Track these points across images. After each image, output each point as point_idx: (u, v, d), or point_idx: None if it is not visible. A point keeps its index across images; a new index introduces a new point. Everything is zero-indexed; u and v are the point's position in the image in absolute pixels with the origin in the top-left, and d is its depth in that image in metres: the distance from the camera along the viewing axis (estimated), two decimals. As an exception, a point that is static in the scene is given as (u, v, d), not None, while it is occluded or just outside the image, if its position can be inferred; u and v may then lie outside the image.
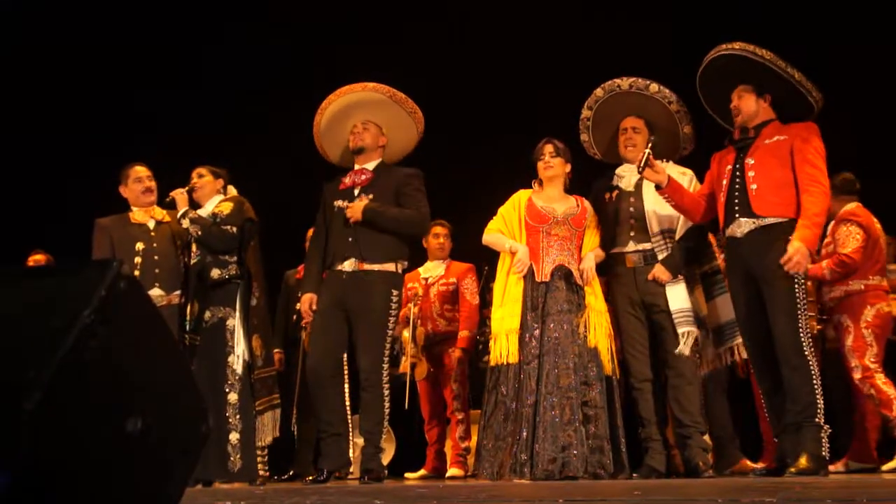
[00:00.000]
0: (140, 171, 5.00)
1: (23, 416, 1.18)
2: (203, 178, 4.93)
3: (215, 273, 4.71)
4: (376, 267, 4.40)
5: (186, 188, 4.87)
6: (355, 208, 4.40)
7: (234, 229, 4.71)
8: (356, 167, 4.61)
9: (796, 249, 3.83)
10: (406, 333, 5.75)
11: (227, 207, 4.80)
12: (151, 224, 4.93)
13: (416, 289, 5.89)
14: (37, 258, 6.14)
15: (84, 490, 1.28)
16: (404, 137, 4.76)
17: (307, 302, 4.50)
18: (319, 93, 4.77)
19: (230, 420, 4.54)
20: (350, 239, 4.42)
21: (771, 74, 4.06)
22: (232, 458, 4.52)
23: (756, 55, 4.05)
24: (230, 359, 4.61)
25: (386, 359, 4.40)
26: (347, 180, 4.58)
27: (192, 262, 4.78)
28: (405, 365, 5.74)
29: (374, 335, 4.36)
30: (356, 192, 4.52)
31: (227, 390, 4.57)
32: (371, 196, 4.47)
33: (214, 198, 4.91)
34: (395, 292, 4.43)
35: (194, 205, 4.89)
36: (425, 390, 5.99)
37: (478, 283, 5.96)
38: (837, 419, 4.74)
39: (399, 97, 4.64)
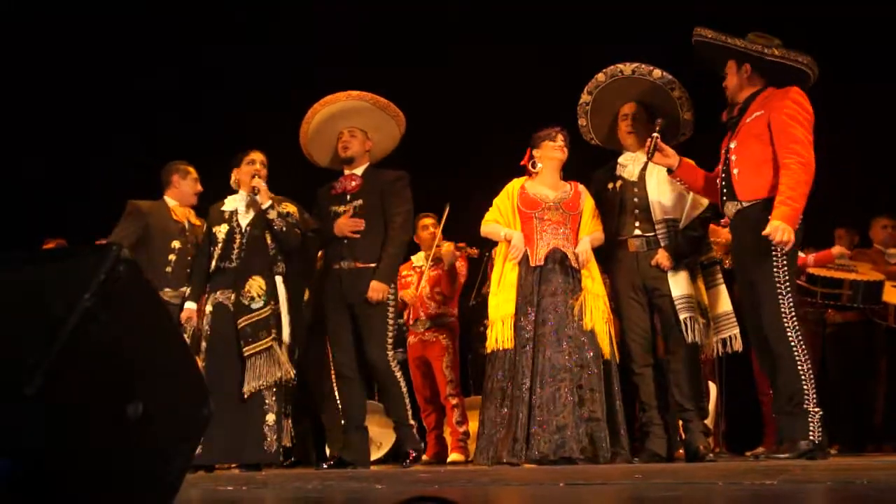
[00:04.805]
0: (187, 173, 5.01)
1: (24, 402, 1.17)
2: (265, 168, 4.81)
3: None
4: (371, 264, 4.67)
5: (256, 180, 4.71)
6: (378, 290, 4.58)
7: (300, 232, 4.81)
8: (346, 172, 4.88)
9: (774, 228, 3.64)
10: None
11: (292, 209, 4.80)
12: (187, 225, 5.02)
13: (411, 274, 5.97)
14: (49, 246, 6.10)
15: (85, 475, 1.28)
16: (387, 138, 5.03)
17: None
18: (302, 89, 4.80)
19: (267, 401, 4.57)
20: (345, 241, 4.71)
21: (736, 49, 3.93)
22: (268, 440, 4.53)
23: (702, 36, 3.97)
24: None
25: (390, 344, 4.68)
26: (339, 186, 4.86)
27: (232, 264, 4.69)
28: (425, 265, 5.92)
29: (375, 325, 4.65)
30: (348, 197, 4.80)
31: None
32: (360, 202, 4.72)
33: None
34: (391, 283, 4.72)
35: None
36: (418, 377, 6.02)
37: (468, 267, 6.03)
38: (835, 403, 4.73)
39: (381, 103, 4.90)
